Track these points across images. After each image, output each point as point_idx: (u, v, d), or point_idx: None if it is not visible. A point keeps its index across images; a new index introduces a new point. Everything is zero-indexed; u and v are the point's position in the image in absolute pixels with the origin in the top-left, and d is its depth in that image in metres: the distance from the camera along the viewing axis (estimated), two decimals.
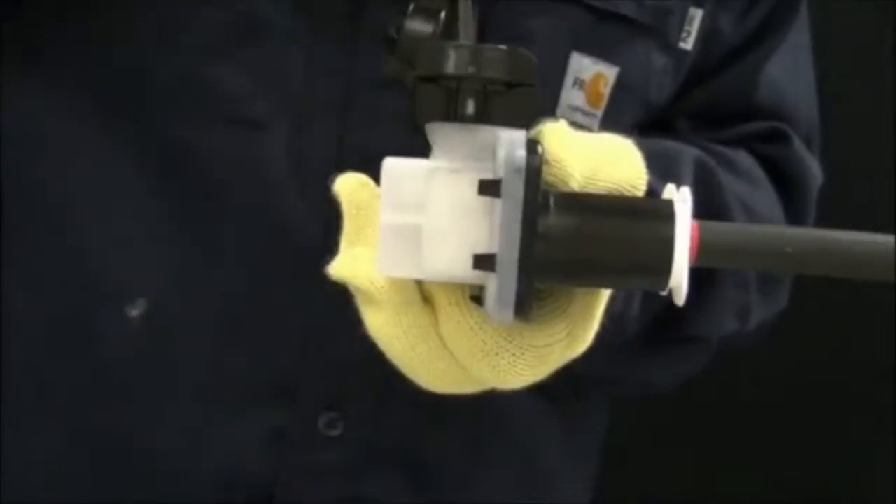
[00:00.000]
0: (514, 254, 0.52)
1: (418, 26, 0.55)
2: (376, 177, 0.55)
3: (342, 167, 0.59)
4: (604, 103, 0.79)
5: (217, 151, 0.75)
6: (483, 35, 0.62)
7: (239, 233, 0.76)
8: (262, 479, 0.78)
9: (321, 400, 0.78)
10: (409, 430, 0.78)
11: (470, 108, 0.53)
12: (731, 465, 1.47)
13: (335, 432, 0.78)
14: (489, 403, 0.65)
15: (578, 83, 0.78)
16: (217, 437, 0.78)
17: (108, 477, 0.79)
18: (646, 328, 0.78)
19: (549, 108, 0.78)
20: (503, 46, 0.53)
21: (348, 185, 0.57)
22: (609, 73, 0.79)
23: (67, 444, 0.79)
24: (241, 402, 0.78)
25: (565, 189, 0.54)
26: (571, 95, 0.78)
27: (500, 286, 0.52)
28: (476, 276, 0.53)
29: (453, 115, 0.53)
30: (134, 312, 0.76)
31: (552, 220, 0.53)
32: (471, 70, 0.52)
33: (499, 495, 0.84)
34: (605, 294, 0.57)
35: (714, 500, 1.44)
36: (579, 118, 0.79)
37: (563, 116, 0.78)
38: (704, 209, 0.79)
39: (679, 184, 0.78)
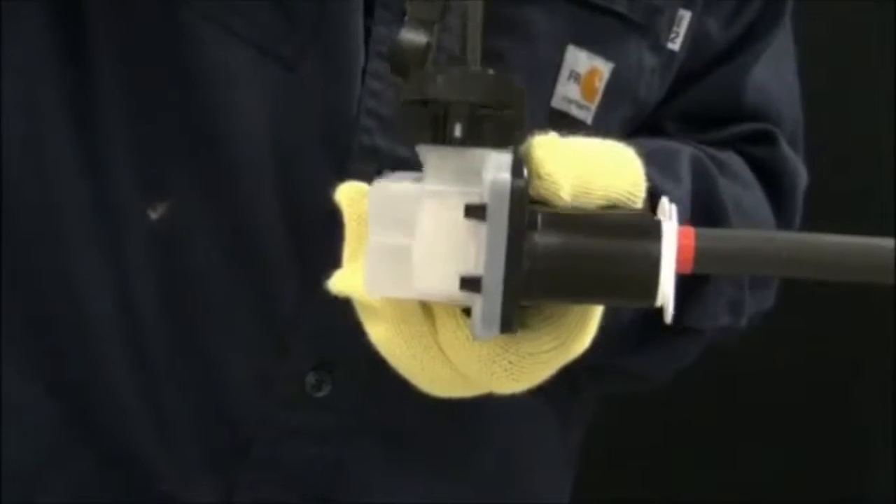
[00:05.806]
0: (499, 278, 0.52)
1: (412, 37, 0.55)
2: None
3: None
4: (597, 98, 0.80)
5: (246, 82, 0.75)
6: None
7: (250, 170, 0.76)
8: (244, 428, 0.79)
9: (311, 359, 0.78)
10: (395, 405, 0.78)
11: (458, 131, 0.53)
12: (730, 465, 1.47)
13: (320, 394, 0.78)
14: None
15: (574, 76, 0.79)
16: (207, 373, 0.78)
17: (89, 411, 0.78)
18: (640, 318, 0.78)
19: (545, 99, 0.79)
20: (491, 71, 0.54)
21: (348, 195, 0.58)
22: (604, 68, 0.80)
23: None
24: (237, 344, 0.78)
25: (557, 201, 0.54)
26: (567, 88, 0.79)
27: (484, 308, 0.53)
28: (463, 297, 0.54)
29: (441, 137, 0.53)
30: (154, 215, 0.77)
31: (538, 241, 0.53)
32: (457, 95, 0.53)
33: (476, 482, 0.84)
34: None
35: (712, 500, 1.45)
36: (574, 111, 0.80)
37: (559, 108, 0.79)
38: (702, 207, 0.80)
39: (679, 180, 0.79)
